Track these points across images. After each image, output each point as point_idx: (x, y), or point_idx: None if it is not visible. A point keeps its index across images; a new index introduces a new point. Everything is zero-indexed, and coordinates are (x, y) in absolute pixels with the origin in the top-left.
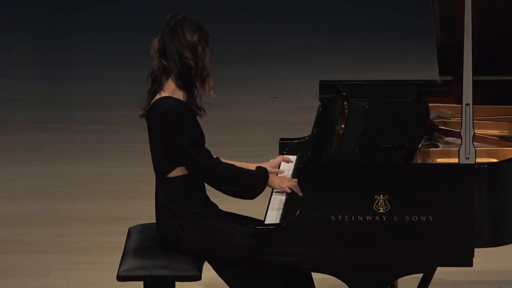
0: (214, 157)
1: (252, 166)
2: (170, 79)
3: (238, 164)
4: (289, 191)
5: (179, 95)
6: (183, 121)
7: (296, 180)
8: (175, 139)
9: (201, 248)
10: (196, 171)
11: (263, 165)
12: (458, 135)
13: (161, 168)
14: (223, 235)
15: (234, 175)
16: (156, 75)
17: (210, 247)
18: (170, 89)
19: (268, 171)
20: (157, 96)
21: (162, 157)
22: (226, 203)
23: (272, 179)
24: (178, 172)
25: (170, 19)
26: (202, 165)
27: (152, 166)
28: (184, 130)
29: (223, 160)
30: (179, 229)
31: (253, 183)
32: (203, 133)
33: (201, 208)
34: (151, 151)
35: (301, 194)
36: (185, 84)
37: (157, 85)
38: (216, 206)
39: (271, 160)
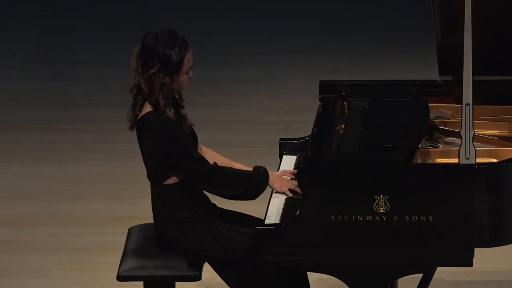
0: (211, 163)
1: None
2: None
3: (226, 159)
4: (290, 194)
5: (168, 112)
6: (174, 137)
7: (296, 182)
8: (169, 155)
9: (200, 250)
10: (197, 183)
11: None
12: (458, 135)
13: (156, 177)
14: (221, 237)
15: (234, 178)
16: (137, 90)
17: (208, 249)
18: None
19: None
20: (144, 110)
21: (156, 167)
22: (226, 203)
23: (273, 180)
24: (173, 179)
25: (145, 38)
26: (202, 176)
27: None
28: (176, 145)
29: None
30: (177, 233)
31: (253, 184)
32: (194, 140)
33: (198, 212)
34: (144, 161)
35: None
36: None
37: (136, 102)
38: (215, 207)
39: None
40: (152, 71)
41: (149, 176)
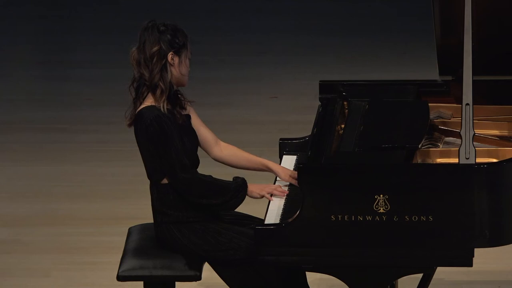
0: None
1: (257, 159)
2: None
3: (246, 154)
4: (270, 198)
5: (161, 103)
6: (165, 135)
7: (277, 185)
8: (157, 150)
9: (200, 251)
10: (173, 185)
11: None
12: (458, 135)
13: (154, 175)
14: (221, 237)
15: (211, 188)
16: (138, 85)
17: (208, 249)
18: (151, 98)
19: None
20: (142, 105)
21: (153, 165)
22: None
23: (251, 188)
24: None
25: (143, 27)
26: (180, 183)
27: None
28: (164, 143)
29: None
30: (177, 233)
31: (230, 195)
32: (192, 139)
33: (197, 211)
34: (143, 158)
35: (283, 195)
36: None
37: (139, 95)
38: None
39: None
40: (155, 48)
41: (148, 174)
